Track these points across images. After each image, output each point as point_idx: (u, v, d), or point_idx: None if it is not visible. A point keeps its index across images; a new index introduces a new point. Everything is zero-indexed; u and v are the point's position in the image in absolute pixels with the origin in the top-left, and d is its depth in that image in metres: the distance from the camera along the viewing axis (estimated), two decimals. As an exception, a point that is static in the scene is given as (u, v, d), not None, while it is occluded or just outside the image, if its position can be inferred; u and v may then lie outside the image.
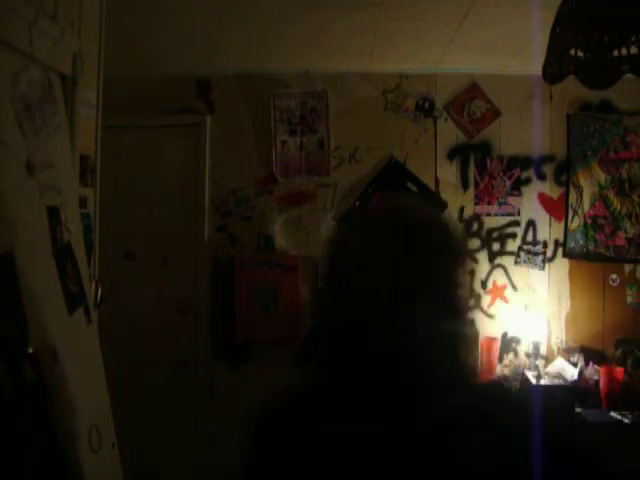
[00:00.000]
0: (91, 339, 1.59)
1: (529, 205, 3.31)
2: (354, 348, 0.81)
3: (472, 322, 0.88)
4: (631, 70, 1.46)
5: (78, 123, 1.66)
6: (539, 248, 3.30)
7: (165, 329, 3.27)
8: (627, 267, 3.26)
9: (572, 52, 1.50)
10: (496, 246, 3.32)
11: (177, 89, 3.34)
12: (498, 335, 3.25)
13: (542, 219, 3.32)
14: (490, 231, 3.32)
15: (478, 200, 3.32)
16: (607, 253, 3.24)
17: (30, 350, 1.21)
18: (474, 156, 3.32)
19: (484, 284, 3.32)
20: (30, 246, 1.29)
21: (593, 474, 0.78)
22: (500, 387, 0.85)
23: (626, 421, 2.68)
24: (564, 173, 3.30)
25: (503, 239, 3.32)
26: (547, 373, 3.01)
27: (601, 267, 3.27)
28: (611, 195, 3.23)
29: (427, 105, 3.32)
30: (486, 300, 3.31)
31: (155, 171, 3.34)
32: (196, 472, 3.16)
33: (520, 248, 3.31)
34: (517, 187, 3.31)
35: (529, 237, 3.31)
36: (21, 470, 1.15)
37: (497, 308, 3.31)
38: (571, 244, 3.29)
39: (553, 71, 1.55)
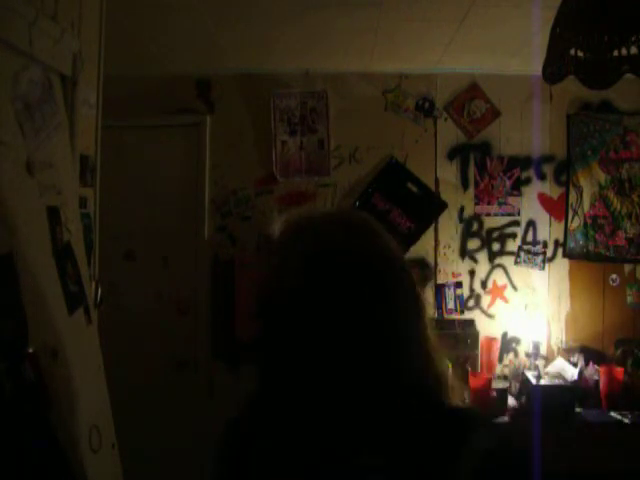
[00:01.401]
0: (91, 339, 1.59)
1: (529, 205, 3.31)
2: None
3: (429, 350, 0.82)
4: (631, 70, 1.46)
5: (78, 123, 1.66)
6: (539, 248, 3.30)
7: (165, 329, 3.27)
8: (627, 267, 3.26)
9: (572, 52, 1.49)
10: (496, 246, 3.32)
11: (177, 89, 3.34)
12: (498, 335, 3.25)
13: (542, 219, 3.32)
14: (490, 231, 3.32)
15: (478, 200, 3.32)
16: (607, 253, 3.24)
17: (30, 350, 1.21)
18: (474, 156, 3.32)
19: (484, 284, 3.31)
20: (30, 246, 1.29)
21: None
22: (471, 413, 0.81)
23: (626, 421, 2.68)
24: (564, 173, 3.30)
25: (503, 239, 3.32)
26: (547, 373, 3.00)
27: (601, 267, 3.27)
28: (611, 195, 3.23)
29: (427, 105, 3.32)
30: (486, 300, 3.31)
31: (155, 171, 3.34)
32: (196, 472, 3.16)
33: (520, 248, 3.31)
34: (517, 187, 3.31)
35: (529, 237, 3.31)
36: (21, 470, 1.15)
37: (497, 308, 3.31)
38: (571, 244, 3.29)
39: (553, 71, 1.55)
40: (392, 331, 0.77)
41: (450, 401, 0.81)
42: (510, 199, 3.31)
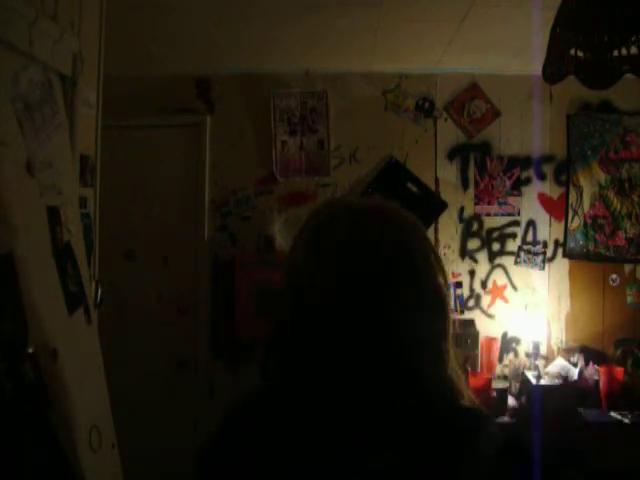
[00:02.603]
0: (91, 339, 1.59)
1: (529, 205, 3.31)
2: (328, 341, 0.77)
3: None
4: (631, 70, 1.45)
5: (78, 123, 1.66)
6: (539, 248, 3.30)
7: (165, 329, 3.27)
8: (627, 267, 3.26)
9: (572, 52, 1.49)
10: (496, 246, 3.32)
11: (177, 89, 3.34)
12: (498, 335, 3.25)
13: (542, 219, 3.32)
14: (490, 231, 3.32)
15: (478, 200, 3.32)
16: (607, 253, 3.24)
17: (30, 350, 1.21)
18: (474, 156, 3.32)
19: (484, 284, 3.31)
20: (30, 246, 1.29)
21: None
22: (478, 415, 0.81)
23: (626, 421, 2.68)
24: (564, 173, 3.30)
25: (503, 239, 3.32)
26: (547, 373, 3.00)
27: (601, 267, 3.27)
28: (611, 195, 3.23)
29: (427, 105, 3.32)
30: (486, 300, 3.31)
31: (155, 171, 3.34)
32: (196, 473, 3.16)
33: (520, 248, 3.31)
34: (517, 187, 3.31)
35: (529, 237, 3.31)
36: (21, 470, 1.15)
37: (497, 308, 3.31)
38: (571, 244, 3.29)
39: (553, 71, 1.55)
40: (415, 331, 0.78)
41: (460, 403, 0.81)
42: (510, 199, 3.31)
